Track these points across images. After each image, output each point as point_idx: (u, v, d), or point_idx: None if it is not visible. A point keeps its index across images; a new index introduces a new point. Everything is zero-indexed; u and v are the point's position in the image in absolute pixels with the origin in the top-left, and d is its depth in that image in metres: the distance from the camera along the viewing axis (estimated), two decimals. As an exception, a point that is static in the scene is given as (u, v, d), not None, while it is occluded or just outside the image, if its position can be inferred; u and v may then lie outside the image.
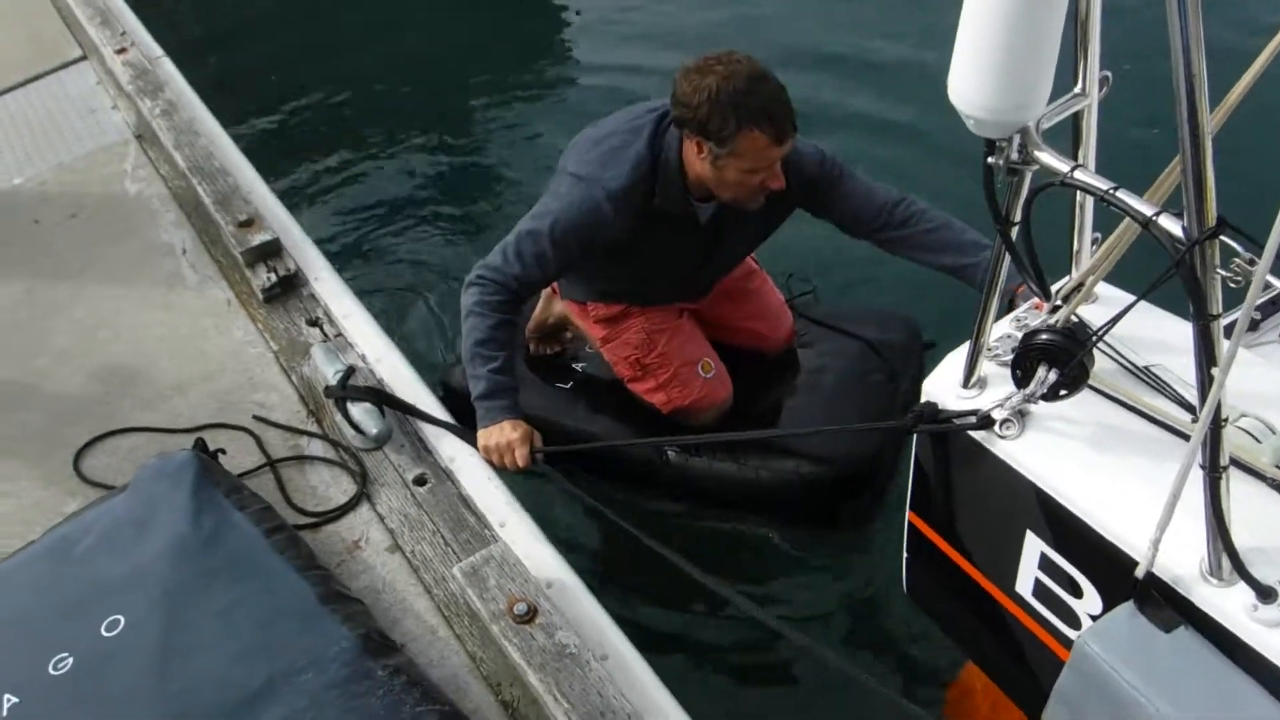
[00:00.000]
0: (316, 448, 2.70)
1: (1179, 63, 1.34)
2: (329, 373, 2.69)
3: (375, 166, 5.54)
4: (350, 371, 2.69)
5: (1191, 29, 1.32)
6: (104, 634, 2.05)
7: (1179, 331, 1.94)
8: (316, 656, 1.98)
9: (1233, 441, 1.69)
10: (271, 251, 3.19)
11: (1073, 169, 1.61)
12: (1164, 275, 1.49)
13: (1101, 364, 1.90)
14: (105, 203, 3.70)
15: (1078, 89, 1.72)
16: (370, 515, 2.52)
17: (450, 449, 2.63)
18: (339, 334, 2.98)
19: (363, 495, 2.55)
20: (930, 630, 2.70)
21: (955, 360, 2.04)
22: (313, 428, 2.75)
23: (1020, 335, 1.90)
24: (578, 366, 3.48)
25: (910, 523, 2.23)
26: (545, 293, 3.44)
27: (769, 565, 3.35)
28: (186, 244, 3.45)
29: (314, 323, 3.03)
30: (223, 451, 2.57)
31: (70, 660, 2.02)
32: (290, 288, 3.15)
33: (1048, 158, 1.63)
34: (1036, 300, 2.07)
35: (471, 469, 2.58)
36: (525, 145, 5.64)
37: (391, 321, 4.21)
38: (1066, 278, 1.96)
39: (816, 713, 2.95)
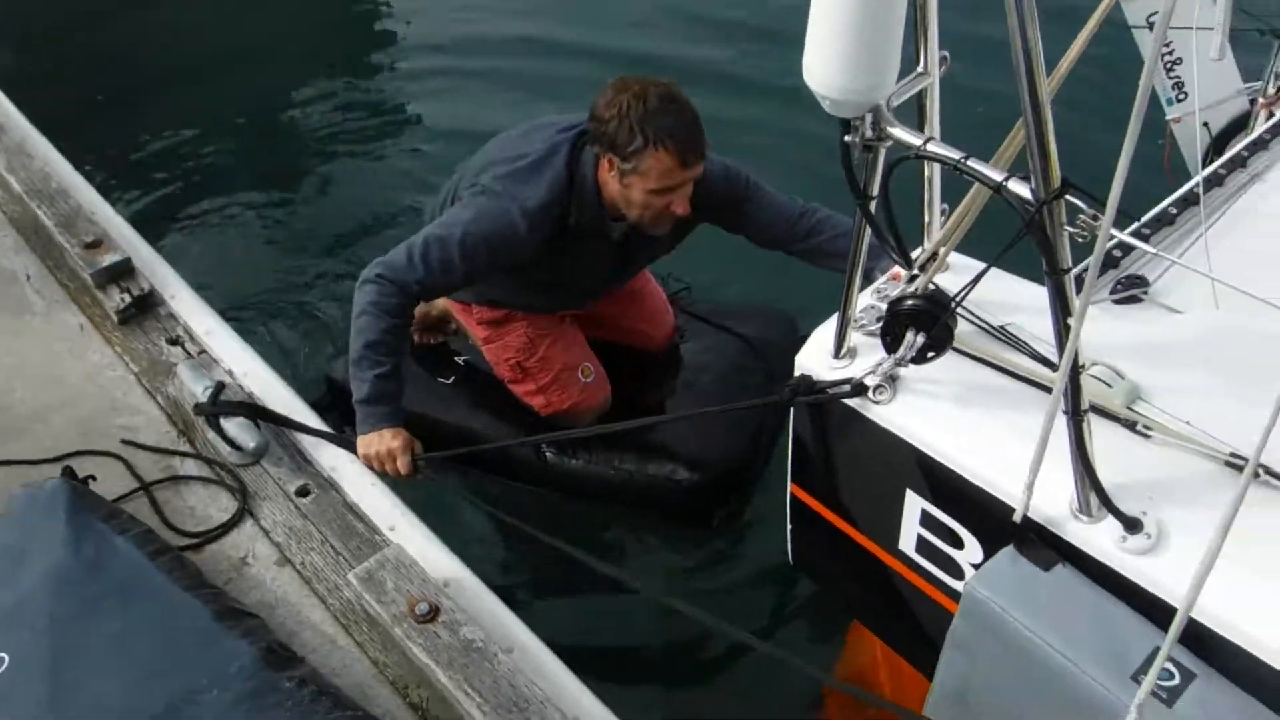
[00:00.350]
0: (190, 467, 2.65)
1: (1016, 34, 1.43)
2: (198, 389, 2.65)
3: (214, 171, 5.36)
4: (220, 387, 2.65)
5: (1025, 2, 1.41)
6: (-12, 674, 2.00)
7: (1029, 293, 2.07)
8: (218, 674, 1.96)
9: (1087, 388, 1.80)
10: (123, 272, 3.10)
11: (925, 141, 1.70)
12: (1017, 236, 1.58)
13: (962, 327, 1.99)
14: (-63, 233, 3.55)
15: (920, 69, 1.82)
16: (254, 530, 2.49)
17: (331, 458, 2.62)
18: (202, 351, 2.92)
19: (244, 511, 2.51)
20: (817, 597, 2.79)
21: (824, 334, 2.12)
22: (184, 447, 2.70)
23: (885, 305, 1.99)
24: (460, 360, 3.49)
25: (792, 494, 2.31)
26: None
27: (657, 549, 3.43)
28: (30, 270, 3.33)
29: (175, 341, 2.97)
30: (92, 478, 2.49)
31: (-46, 707, 1.96)
32: (146, 308, 3.07)
33: (901, 133, 1.72)
34: (894, 271, 2.17)
35: (355, 476, 2.57)
36: (367, 137, 5.59)
37: (257, 333, 4.12)
38: (920, 248, 2.06)
39: (716, 682, 3.03)
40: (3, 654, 2.01)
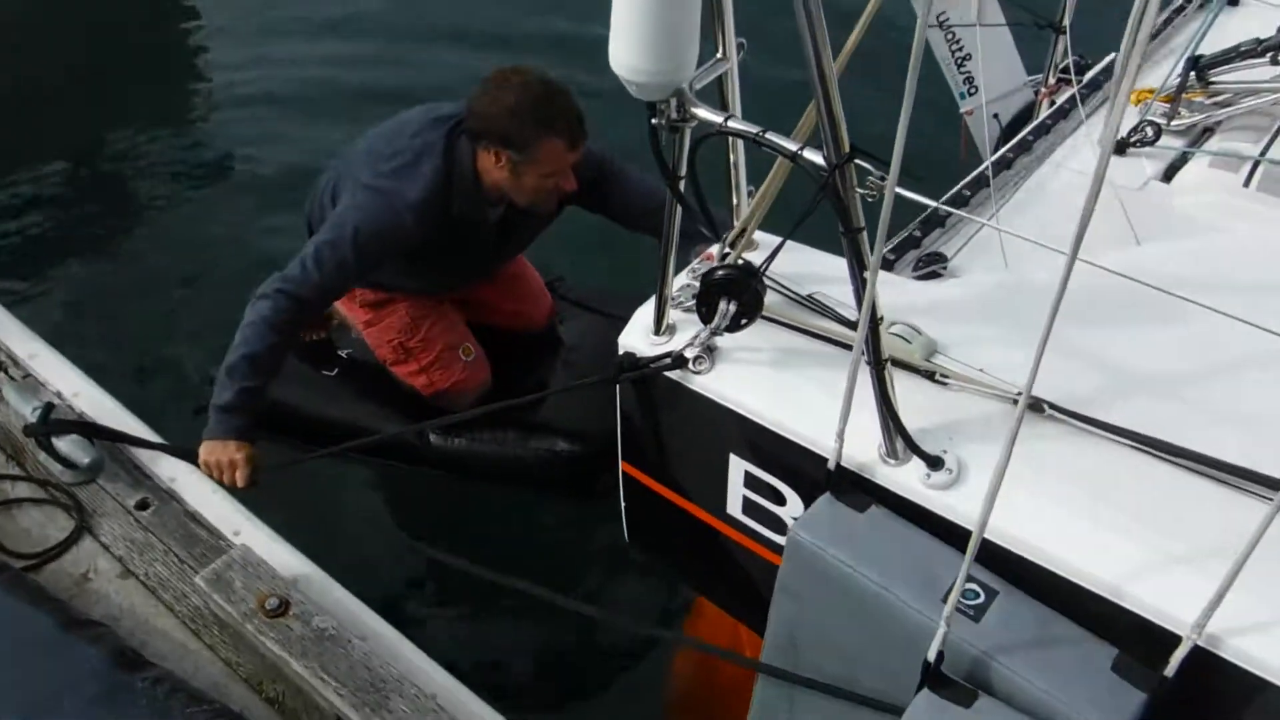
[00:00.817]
0: (23, 490, 2.62)
1: (804, 21, 1.55)
2: (26, 411, 2.62)
3: (26, 200, 5.27)
4: (49, 407, 2.62)
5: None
6: None
7: (831, 264, 2.20)
8: (70, 680, 1.97)
9: (889, 344, 1.95)
10: (-66, 306, 3.05)
11: (726, 118, 1.81)
12: (814, 201, 1.71)
13: (772, 298, 2.12)
14: None
15: (719, 55, 1.94)
16: (94, 547, 2.47)
17: (169, 469, 2.62)
18: (27, 375, 2.88)
19: (82, 528, 2.50)
20: (660, 574, 2.89)
21: (645, 313, 2.22)
22: (14, 471, 2.67)
23: (699, 282, 2.11)
24: (343, 352, 3.56)
25: (624, 473, 2.40)
26: None
27: (504, 535, 3.52)
28: None
29: (-2, 367, 2.93)
30: (-84, 511, 2.46)
31: None
32: (-39, 337, 3.02)
33: (704, 112, 1.83)
34: (708, 252, 2.28)
35: (195, 486, 2.57)
36: (181, 153, 5.60)
37: (85, 353, 4.04)
38: (730, 230, 2.18)
39: (567, 659, 3.10)
40: None
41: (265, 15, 6.59)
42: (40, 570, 2.42)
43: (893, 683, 1.80)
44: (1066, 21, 3.95)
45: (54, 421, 2.60)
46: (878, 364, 1.76)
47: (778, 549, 2.13)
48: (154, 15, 7.00)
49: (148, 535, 2.47)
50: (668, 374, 2.10)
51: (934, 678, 1.67)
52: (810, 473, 1.94)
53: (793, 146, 1.72)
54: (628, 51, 1.77)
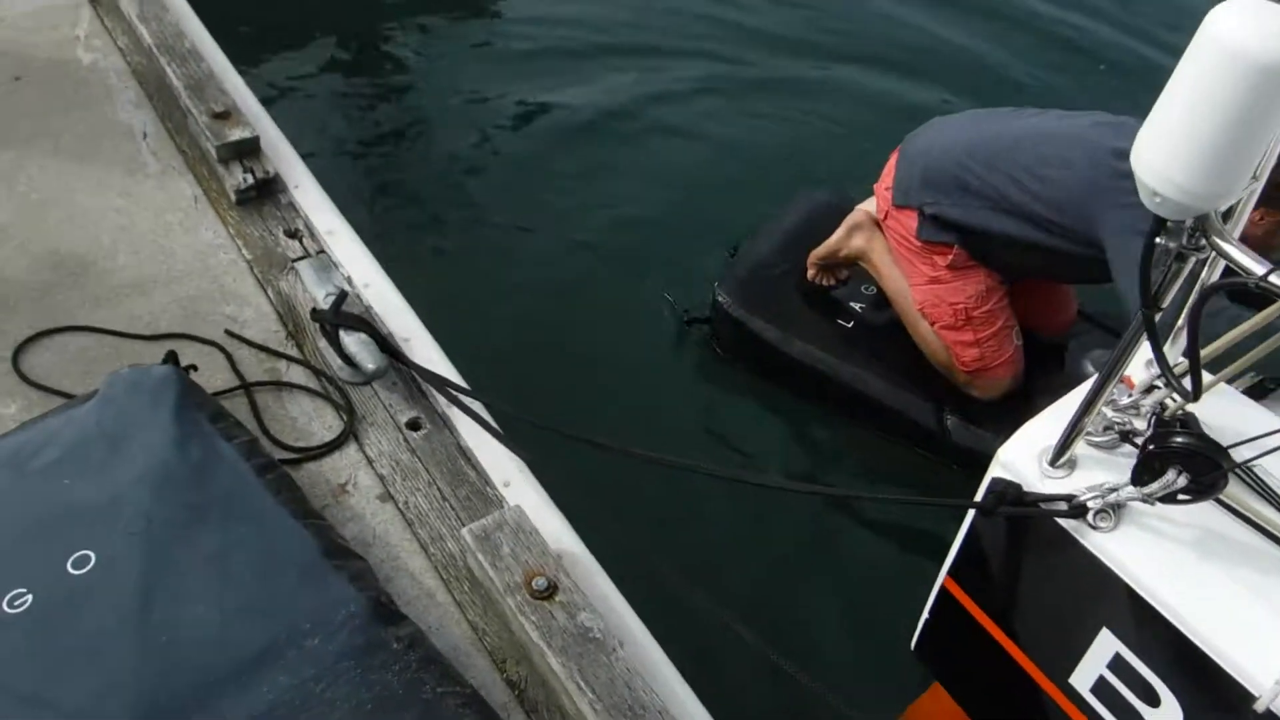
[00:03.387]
0: (297, 374, 2.45)
1: None
2: (319, 294, 2.45)
3: (351, 77, 5.25)
4: (343, 296, 2.42)
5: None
6: (70, 571, 1.78)
7: (1268, 423, 1.84)
8: (323, 619, 1.76)
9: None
10: (249, 150, 2.89)
11: (1269, 273, 1.48)
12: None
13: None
14: (55, 69, 3.30)
15: (1252, 175, 1.60)
16: (358, 457, 2.29)
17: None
18: (321, 251, 2.72)
19: (350, 433, 2.31)
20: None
21: (1034, 430, 1.92)
22: (292, 351, 2.49)
23: (1116, 415, 1.81)
24: (855, 306, 3.59)
25: (945, 588, 2.10)
26: (847, 223, 3.53)
27: (771, 588, 3.27)
28: (147, 127, 3.12)
29: (294, 234, 2.76)
30: (194, 368, 2.30)
31: (29, 599, 1.75)
32: (267, 193, 2.87)
33: (1237, 253, 1.50)
34: (1125, 376, 1.97)
35: (470, 421, 2.35)
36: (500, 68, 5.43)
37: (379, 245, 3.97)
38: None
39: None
40: (89, 551, 1.81)
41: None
42: (299, 467, 2.24)
43: None
44: None
45: (345, 314, 2.38)
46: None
47: (1121, 744, 1.83)
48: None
49: (415, 460, 2.27)
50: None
51: None
52: (1212, 693, 1.63)
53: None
54: (1167, 157, 1.43)
